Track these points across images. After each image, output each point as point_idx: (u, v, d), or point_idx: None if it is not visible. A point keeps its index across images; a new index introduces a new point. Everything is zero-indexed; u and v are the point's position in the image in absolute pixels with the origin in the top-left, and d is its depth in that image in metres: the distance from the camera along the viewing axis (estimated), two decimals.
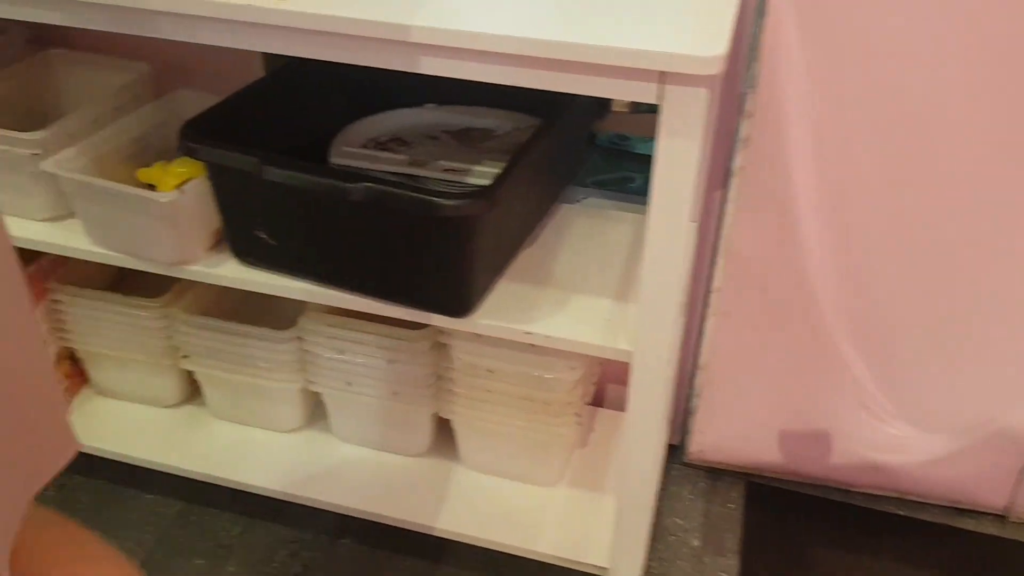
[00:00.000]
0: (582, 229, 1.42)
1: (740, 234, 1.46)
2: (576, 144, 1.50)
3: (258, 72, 1.52)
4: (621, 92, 0.97)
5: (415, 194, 1.08)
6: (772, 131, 1.37)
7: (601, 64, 0.94)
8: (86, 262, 1.33)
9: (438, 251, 1.15)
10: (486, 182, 1.30)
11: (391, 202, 1.09)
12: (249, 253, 1.28)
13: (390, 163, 1.37)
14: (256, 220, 1.24)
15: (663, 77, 0.95)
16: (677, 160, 0.99)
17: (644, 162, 1.65)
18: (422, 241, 1.14)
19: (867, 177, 1.37)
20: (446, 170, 1.36)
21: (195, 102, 1.46)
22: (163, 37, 1.08)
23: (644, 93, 0.96)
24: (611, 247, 1.37)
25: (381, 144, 1.44)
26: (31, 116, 1.51)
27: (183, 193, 1.23)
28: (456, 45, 0.96)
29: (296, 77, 1.38)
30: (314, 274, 1.26)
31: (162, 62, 1.52)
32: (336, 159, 1.38)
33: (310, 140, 1.39)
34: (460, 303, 1.20)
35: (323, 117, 1.43)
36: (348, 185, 1.11)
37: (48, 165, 1.26)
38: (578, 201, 1.58)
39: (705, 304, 1.56)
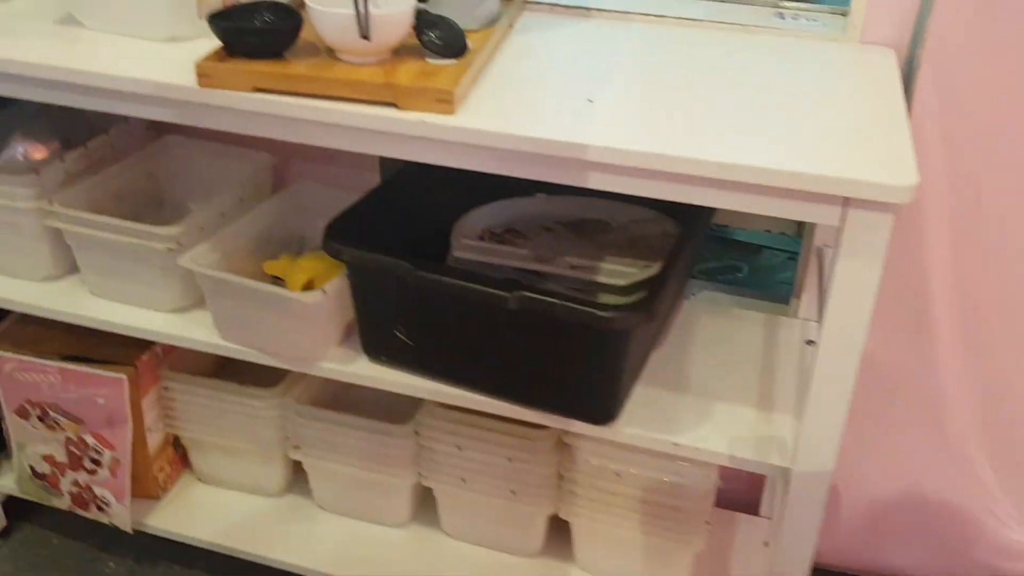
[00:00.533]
0: (706, 328, 1.41)
1: (872, 336, 1.45)
2: (702, 240, 1.50)
3: (372, 160, 1.53)
4: (802, 214, 0.96)
5: (576, 305, 1.08)
6: (910, 233, 1.36)
7: (788, 188, 0.94)
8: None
9: (589, 359, 1.14)
10: (618, 281, 1.30)
11: (548, 312, 1.09)
12: (382, 351, 1.28)
13: (513, 258, 1.36)
14: (396, 320, 1.23)
15: (847, 202, 0.95)
16: (856, 283, 0.98)
17: (745, 250, 1.65)
18: (573, 349, 1.13)
19: (1003, 283, 1.36)
20: (573, 267, 1.36)
21: (316, 195, 1.47)
22: (312, 144, 1.09)
23: (826, 216, 0.96)
24: (740, 349, 1.36)
25: (497, 236, 1.44)
26: (149, 203, 1.52)
27: (325, 294, 1.22)
28: (639, 166, 0.96)
29: (419, 172, 1.39)
30: (449, 374, 1.25)
31: (279, 150, 1.53)
32: (459, 252, 1.38)
33: (429, 230, 1.40)
34: (605, 411, 1.19)
35: (439, 207, 1.43)
36: (505, 294, 1.10)
37: (185, 261, 1.26)
38: (693, 295, 1.58)
39: None
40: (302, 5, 1.12)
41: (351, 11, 1.05)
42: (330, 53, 1.10)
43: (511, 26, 1.28)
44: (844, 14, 1.34)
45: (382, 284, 1.21)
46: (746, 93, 1.11)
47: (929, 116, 1.28)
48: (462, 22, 1.16)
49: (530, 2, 1.36)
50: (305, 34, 1.11)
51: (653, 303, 1.10)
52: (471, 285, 1.12)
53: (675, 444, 1.17)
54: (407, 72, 1.07)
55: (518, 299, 1.10)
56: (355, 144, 1.06)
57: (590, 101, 1.07)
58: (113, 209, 1.41)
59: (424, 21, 1.11)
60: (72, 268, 1.41)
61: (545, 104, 1.06)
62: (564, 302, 1.08)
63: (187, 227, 1.30)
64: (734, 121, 1.03)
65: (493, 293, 1.11)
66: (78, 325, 1.37)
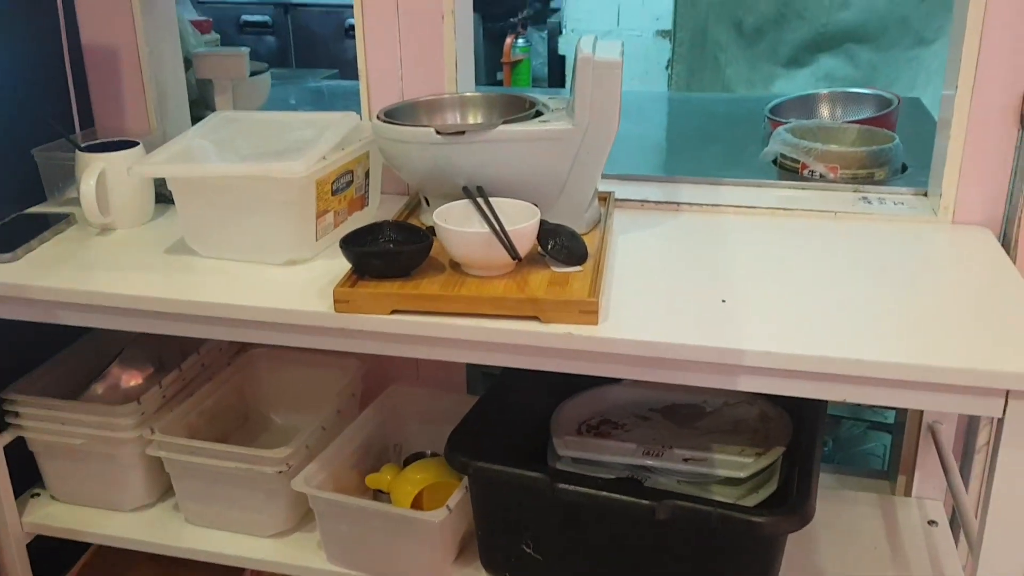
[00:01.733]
0: (818, 509, 1.39)
1: None
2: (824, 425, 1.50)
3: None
4: (962, 407, 0.97)
5: (733, 513, 1.06)
6: None
7: (951, 384, 0.95)
8: None
9: (741, 565, 1.11)
10: (737, 474, 1.29)
11: (701, 520, 1.07)
12: (507, 567, 1.24)
13: (621, 453, 1.35)
14: (524, 533, 1.21)
15: (1010, 394, 0.96)
16: (1019, 471, 0.98)
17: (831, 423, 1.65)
18: (724, 555, 1.11)
19: None
20: (685, 460, 1.34)
21: (409, 400, 1.47)
22: (454, 361, 1.09)
23: (987, 408, 0.97)
24: (860, 532, 1.34)
25: (594, 428, 1.43)
26: (237, 419, 1.50)
27: (450, 511, 1.20)
28: (800, 369, 0.97)
29: (517, 372, 1.39)
30: None
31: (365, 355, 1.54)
32: (564, 451, 1.36)
33: (526, 429, 1.39)
34: None
35: (533, 405, 1.43)
36: (652, 503, 1.09)
37: (299, 484, 1.24)
38: None
39: None
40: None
41: (485, 230, 1.08)
42: (455, 268, 1.13)
43: (611, 225, 1.31)
44: (924, 194, 1.40)
45: (511, 497, 1.19)
46: (865, 282, 1.14)
47: None
48: (574, 227, 1.19)
49: (621, 200, 1.41)
50: None
51: (805, 503, 1.08)
52: (616, 496, 1.10)
53: None
54: (540, 283, 1.09)
55: (667, 508, 1.08)
56: (496, 358, 1.07)
57: (723, 301, 1.09)
58: (207, 430, 1.39)
59: (545, 230, 1.14)
60: (162, 495, 1.38)
61: (680, 307, 1.08)
62: (719, 510, 1.07)
63: (295, 447, 1.28)
64: (869, 314, 1.05)
65: (640, 503, 1.09)
66: (166, 556, 1.33)
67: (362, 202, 1.35)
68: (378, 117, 1.25)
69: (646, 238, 1.30)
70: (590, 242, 1.20)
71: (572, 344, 1.02)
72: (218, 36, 1.88)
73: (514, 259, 1.06)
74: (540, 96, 1.31)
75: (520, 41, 3.48)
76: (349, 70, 1.52)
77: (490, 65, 3.54)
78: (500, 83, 3.50)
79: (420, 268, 1.12)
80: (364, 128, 1.34)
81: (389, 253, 1.12)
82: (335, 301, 1.07)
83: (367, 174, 1.34)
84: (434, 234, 1.13)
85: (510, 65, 3.43)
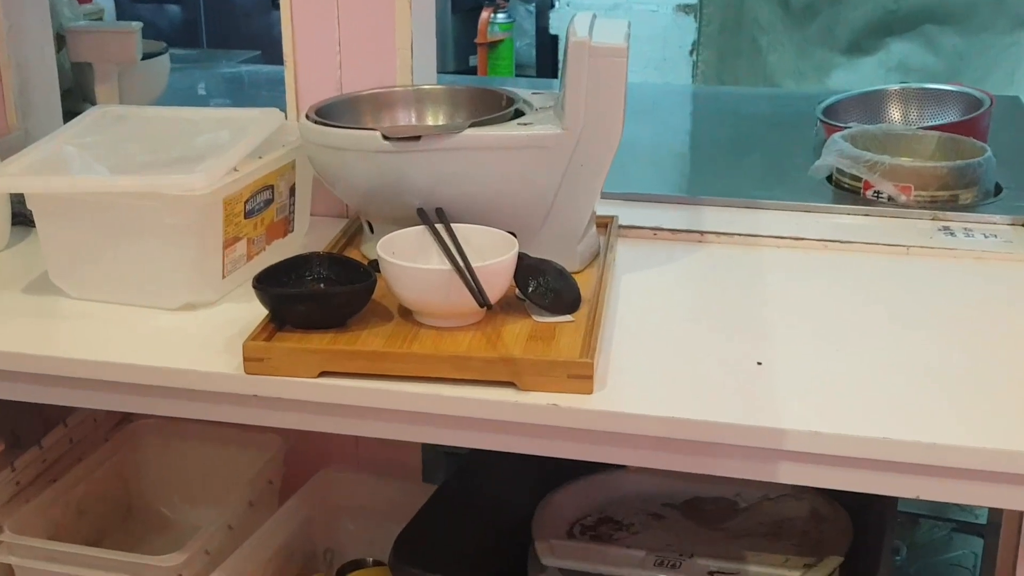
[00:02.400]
0: None
1: None
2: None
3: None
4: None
5: None
6: None
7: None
8: None
9: None
10: None
11: None
12: None
13: (628, 564, 1.34)
14: None
15: None
16: None
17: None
18: None
19: None
20: (712, 573, 1.34)
21: (345, 487, 1.46)
22: (401, 439, 1.09)
23: None
24: None
25: (591, 529, 1.43)
26: (116, 512, 1.50)
27: None
28: (868, 456, 0.97)
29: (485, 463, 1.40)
30: None
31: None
32: (548, 559, 1.35)
33: (505, 523, 1.38)
34: None
35: (513, 492, 1.42)
36: None
37: None
38: None
39: None
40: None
41: (446, 267, 1.07)
42: (406, 316, 1.12)
43: (613, 260, 1.31)
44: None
45: None
46: (944, 340, 1.14)
47: None
48: (563, 263, 1.19)
49: (626, 227, 1.41)
50: None
51: None
52: None
53: None
54: (517, 338, 1.09)
55: None
56: (460, 437, 1.07)
57: (759, 364, 1.09)
58: (75, 528, 1.39)
59: (525, 266, 1.14)
60: None
61: (703, 371, 1.08)
62: None
63: (192, 551, 1.27)
64: (951, 384, 1.06)
65: None
66: None
67: (285, 227, 1.34)
68: (307, 116, 1.25)
69: (659, 278, 1.30)
70: (584, 283, 1.20)
71: (559, 420, 1.02)
72: (102, 7, 1.90)
73: (483, 306, 1.06)
74: (522, 91, 1.32)
75: (500, 16, 3.51)
76: (276, 51, 1.53)
77: (460, 47, 3.57)
78: (473, 71, 3.53)
79: (360, 316, 1.12)
80: (290, 130, 1.34)
81: (319, 296, 1.12)
82: (246, 359, 1.06)
83: (292, 190, 1.34)
84: (379, 271, 1.12)
85: (486, 47, 3.47)
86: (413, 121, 1.34)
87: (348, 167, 1.22)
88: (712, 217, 1.45)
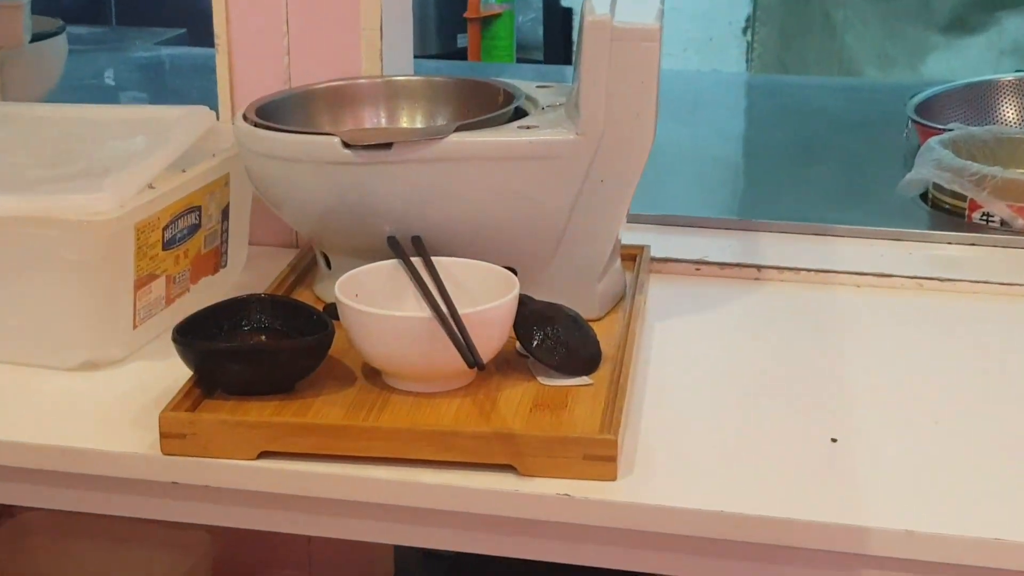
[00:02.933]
0: None
1: None
2: None
3: None
4: None
5: None
6: None
7: None
8: None
9: None
10: None
11: None
12: None
13: None
14: None
15: None
16: None
17: None
18: None
19: None
20: None
21: None
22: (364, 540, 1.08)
23: None
24: None
25: None
26: None
27: None
28: (955, 560, 0.97)
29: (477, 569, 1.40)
30: None
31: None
32: None
33: None
34: None
35: None
36: None
37: None
38: None
39: None
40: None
41: (425, 313, 1.07)
42: (372, 378, 1.13)
43: (644, 304, 1.31)
44: None
45: None
46: None
47: None
48: (578, 308, 1.19)
49: (661, 260, 1.41)
50: None
51: None
52: None
53: None
54: (516, 407, 1.09)
55: None
56: (442, 537, 1.07)
57: (834, 441, 1.09)
58: None
59: (529, 313, 1.14)
60: None
61: (760, 451, 1.08)
62: None
63: None
64: None
65: None
66: None
67: (216, 261, 1.36)
68: (245, 116, 1.25)
69: (703, 327, 1.31)
70: (606, 334, 1.20)
71: (573, 514, 1.02)
72: None
73: (472, 366, 1.05)
74: (524, 83, 1.32)
75: None
76: (205, 29, 1.53)
77: (446, 24, 3.59)
78: (462, 55, 3.54)
79: (312, 378, 1.12)
80: (223, 134, 1.34)
81: (259, 352, 1.13)
82: (163, 436, 1.06)
83: (226, 213, 1.35)
84: (337, 318, 1.13)
85: (478, 23, 3.48)
86: (383, 123, 1.36)
87: (298, 183, 1.22)
88: (772, 247, 1.47)
